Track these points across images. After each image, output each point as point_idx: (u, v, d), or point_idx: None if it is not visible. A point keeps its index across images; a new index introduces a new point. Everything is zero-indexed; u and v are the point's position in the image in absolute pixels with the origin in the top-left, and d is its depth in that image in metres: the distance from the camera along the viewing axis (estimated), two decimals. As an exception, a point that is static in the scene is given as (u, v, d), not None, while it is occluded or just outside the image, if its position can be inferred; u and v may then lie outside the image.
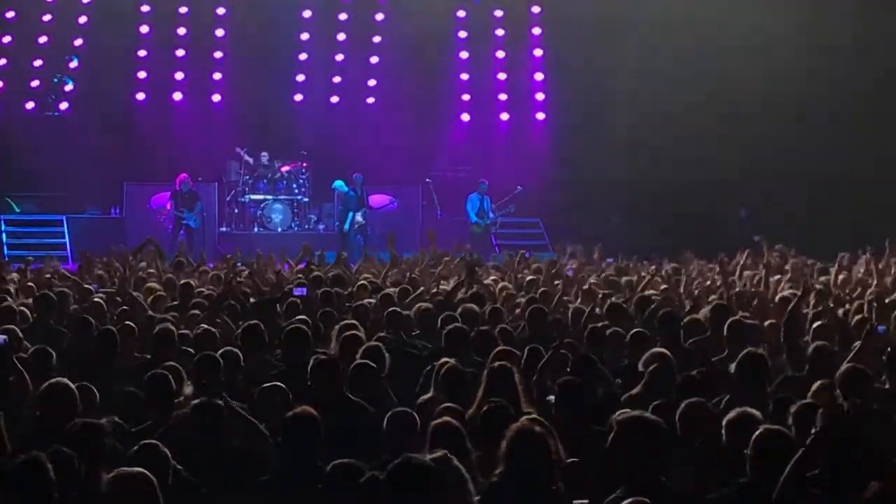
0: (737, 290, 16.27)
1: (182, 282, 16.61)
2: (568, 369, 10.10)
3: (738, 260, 19.82)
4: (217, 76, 32.84)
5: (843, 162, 29.89)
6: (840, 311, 13.85)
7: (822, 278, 18.33)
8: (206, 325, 12.62)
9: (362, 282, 16.72)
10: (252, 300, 15.09)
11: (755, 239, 21.33)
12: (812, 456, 7.34)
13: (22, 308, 14.03)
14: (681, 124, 30.61)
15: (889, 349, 10.51)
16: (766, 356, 10.15)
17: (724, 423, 8.04)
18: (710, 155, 30.29)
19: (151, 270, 18.61)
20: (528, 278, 17.67)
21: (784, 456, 7.35)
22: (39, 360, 10.47)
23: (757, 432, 7.61)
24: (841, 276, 18.41)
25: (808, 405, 8.35)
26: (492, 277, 18.34)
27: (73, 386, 8.83)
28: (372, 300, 14.71)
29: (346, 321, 12.24)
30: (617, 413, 8.11)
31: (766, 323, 13.29)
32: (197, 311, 13.93)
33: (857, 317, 13.31)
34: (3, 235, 29.40)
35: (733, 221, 29.56)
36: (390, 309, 13.26)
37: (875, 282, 16.76)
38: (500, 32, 34.20)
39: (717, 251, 21.36)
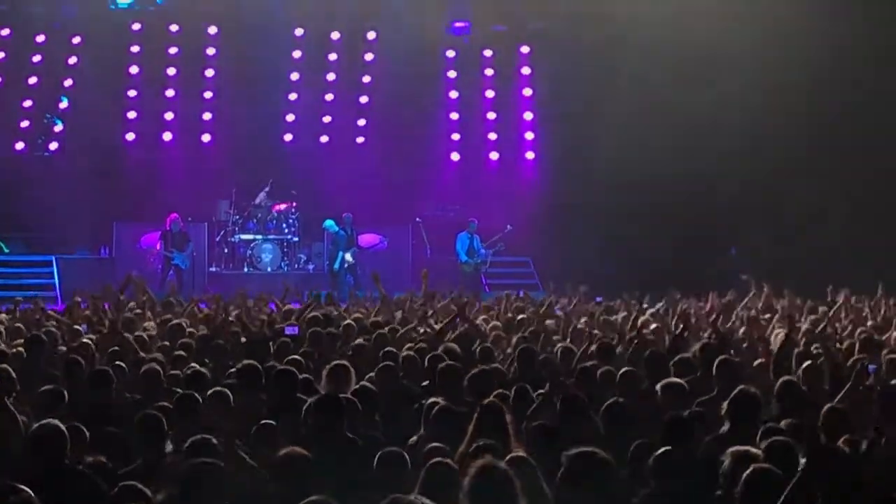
0: (726, 328, 16.28)
1: (171, 322, 16.59)
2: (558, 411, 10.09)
3: (727, 299, 19.85)
4: (207, 116, 32.89)
5: (836, 198, 29.89)
6: (830, 350, 13.86)
7: (812, 317, 18.33)
8: (195, 365, 12.58)
9: (349, 321, 16.70)
10: (243, 339, 15.06)
11: (742, 277, 21.37)
12: (800, 492, 7.33)
13: (12, 349, 13.99)
14: (670, 164, 30.65)
15: (879, 388, 10.52)
16: (758, 394, 10.15)
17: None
18: (700, 193, 30.37)
19: (139, 311, 18.58)
20: (519, 317, 17.67)
21: (774, 494, 7.35)
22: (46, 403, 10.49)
23: (747, 471, 7.61)
24: (831, 315, 18.42)
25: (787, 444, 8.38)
26: (482, 317, 18.33)
27: (62, 427, 8.79)
28: (361, 340, 14.68)
29: (337, 361, 12.21)
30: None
31: (756, 362, 13.30)
32: (183, 353, 13.88)
33: (848, 355, 13.33)
34: (-7, 276, 29.38)
35: (723, 259, 29.60)
36: (382, 349, 13.26)
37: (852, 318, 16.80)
38: (489, 72, 34.32)
39: (706, 289, 21.48)
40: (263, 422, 9.90)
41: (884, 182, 29.56)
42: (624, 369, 12.03)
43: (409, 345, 14.35)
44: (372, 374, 12.25)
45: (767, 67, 29.85)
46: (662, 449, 8.54)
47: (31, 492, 7.06)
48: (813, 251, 28.86)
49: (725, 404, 9.90)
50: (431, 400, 10.25)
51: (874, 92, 29.67)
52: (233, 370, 12.41)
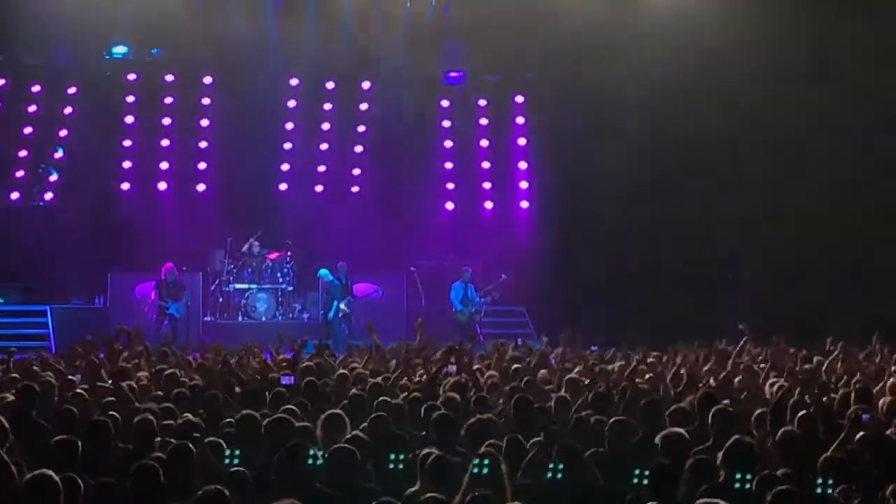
0: (722, 378, 16.26)
1: (166, 372, 16.54)
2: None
3: (724, 348, 19.83)
4: (202, 166, 32.97)
5: (834, 250, 29.93)
6: (825, 400, 13.84)
7: (808, 366, 18.30)
8: (188, 415, 12.53)
9: (343, 371, 16.67)
10: (238, 389, 15.02)
11: (740, 327, 21.34)
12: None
13: (5, 400, 13.94)
14: (664, 213, 30.75)
15: (874, 437, 10.50)
16: (753, 444, 10.13)
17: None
18: (695, 243, 30.40)
19: (135, 361, 18.52)
20: (514, 367, 17.63)
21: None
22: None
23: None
24: (826, 364, 18.39)
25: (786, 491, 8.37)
26: (476, 366, 18.27)
27: (56, 478, 8.76)
28: (356, 390, 14.63)
29: (331, 411, 12.17)
30: None
31: (753, 412, 13.26)
32: (173, 404, 13.80)
33: (843, 405, 13.30)
34: (-13, 326, 29.33)
35: (719, 310, 29.50)
36: (377, 399, 13.23)
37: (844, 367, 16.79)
38: (483, 121, 34.43)
39: (701, 340, 21.45)
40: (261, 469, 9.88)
41: (881, 234, 29.59)
42: (617, 419, 12.00)
43: (403, 394, 14.33)
44: (366, 423, 12.22)
45: (770, 102, 29.94)
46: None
47: None
48: (808, 300, 28.86)
49: (721, 454, 9.88)
50: (426, 450, 10.21)
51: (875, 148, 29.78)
52: (228, 420, 12.35)
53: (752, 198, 30.79)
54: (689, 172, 30.58)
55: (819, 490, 9.34)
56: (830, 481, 9.38)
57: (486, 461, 9.38)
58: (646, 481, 9.48)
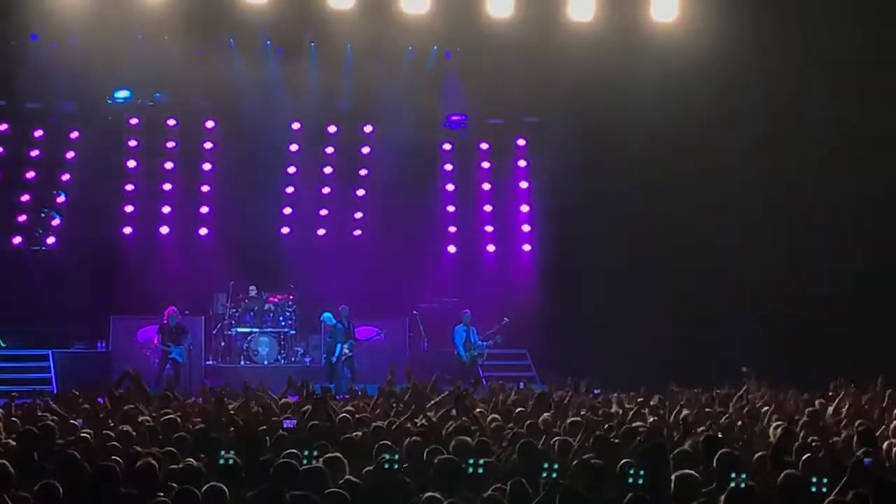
0: (725, 421, 16.23)
1: (165, 417, 16.51)
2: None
3: (727, 392, 19.80)
4: (204, 210, 33.00)
5: (837, 292, 29.92)
6: (829, 443, 13.82)
7: (810, 409, 18.26)
8: (190, 460, 12.50)
9: (344, 414, 16.65)
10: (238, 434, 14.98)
11: (742, 371, 21.34)
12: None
13: (8, 444, 13.92)
14: (668, 258, 30.76)
15: (876, 481, 10.48)
16: (755, 488, 10.11)
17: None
18: (698, 287, 30.40)
19: (135, 405, 18.47)
20: (517, 410, 17.60)
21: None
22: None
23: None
24: (830, 408, 18.36)
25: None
26: (478, 409, 18.23)
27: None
28: (358, 433, 14.60)
29: (331, 454, 12.16)
30: None
31: (756, 455, 13.23)
32: (174, 448, 13.77)
33: (846, 448, 13.27)
34: (-11, 370, 29.27)
35: (721, 353, 29.42)
36: (379, 442, 13.21)
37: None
38: (485, 165, 34.51)
39: (705, 382, 21.41)
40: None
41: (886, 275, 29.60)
42: (623, 461, 11.97)
43: (408, 438, 14.30)
44: (369, 467, 12.20)
45: (769, 142, 30.00)
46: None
47: None
48: (811, 342, 28.80)
49: (722, 498, 9.86)
50: (429, 494, 10.19)
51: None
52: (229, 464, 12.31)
53: (758, 235, 30.74)
54: (693, 213, 30.59)
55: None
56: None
57: None
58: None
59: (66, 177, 32.33)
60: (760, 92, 29.78)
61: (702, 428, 15.34)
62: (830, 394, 19.96)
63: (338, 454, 12.04)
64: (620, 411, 17.94)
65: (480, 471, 9.30)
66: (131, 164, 32.83)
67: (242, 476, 11.46)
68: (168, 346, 28.74)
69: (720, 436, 13.88)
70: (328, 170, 33.82)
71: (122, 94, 32.68)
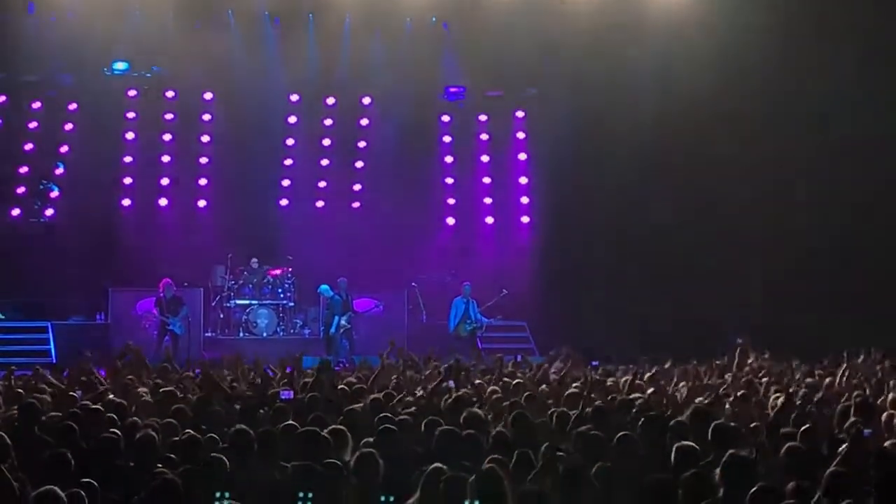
0: (721, 392, 16.25)
1: (166, 388, 16.55)
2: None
3: (723, 362, 19.83)
4: (203, 182, 32.98)
5: (840, 264, 29.94)
6: (826, 414, 13.85)
7: (808, 380, 18.31)
8: (190, 432, 12.52)
9: (342, 386, 16.69)
10: (237, 405, 15.01)
11: (738, 341, 21.36)
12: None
13: (7, 416, 13.95)
14: (668, 227, 30.76)
15: (875, 452, 10.52)
16: (749, 458, 10.15)
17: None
18: (698, 256, 30.39)
19: (134, 377, 18.51)
20: (515, 382, 17.62)
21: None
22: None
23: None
24: (828, 379, 18.40)
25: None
26: (478, 381, 18.27)
27: (63, 494, 8.78)
28: (359, 404, 14.64)
29: (334, 426, 12.18)
30: None
31: (751, 426, 13.27)
32: (175, 420, 13.81)
33: (843, 419, 13.30)
34: (-12, 342, 29.32)
35: (719, 323, 29.49)
36: (378, 414, 13.24)
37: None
38: (484, 137, 34.46)
39: (703, 354, 21.42)
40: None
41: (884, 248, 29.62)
42: (621, 434, 11.99)
43: (409, 409, 14.37)
44: (369, 439, 12.23)
45: (768, 123, 29.99)
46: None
47: None
48: (812, 313, 28.84)
49: (718, 470, 9.89)
50: (435, 465, 10.23)
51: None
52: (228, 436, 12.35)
53: (756, 211, 30.76)
54: (693, 187, 30.60)
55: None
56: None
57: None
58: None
59: (64, 149, 32.30)
60: (762, 64, 29.72)
61: (699, 399, 15.37)
62: (825, 366, 20.02)
63: (342, 427, 12.06)
64: (620, 383, 17.96)
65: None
66: (129, 136, 32.79)
67: (252, 447, 11.47)
68: (166, 318, 28.77)
69: (716, 407, 13.91)
70: (327, 142, 33.79)
71: (120, 66, 32.63)
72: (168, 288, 29.00)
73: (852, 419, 13.08)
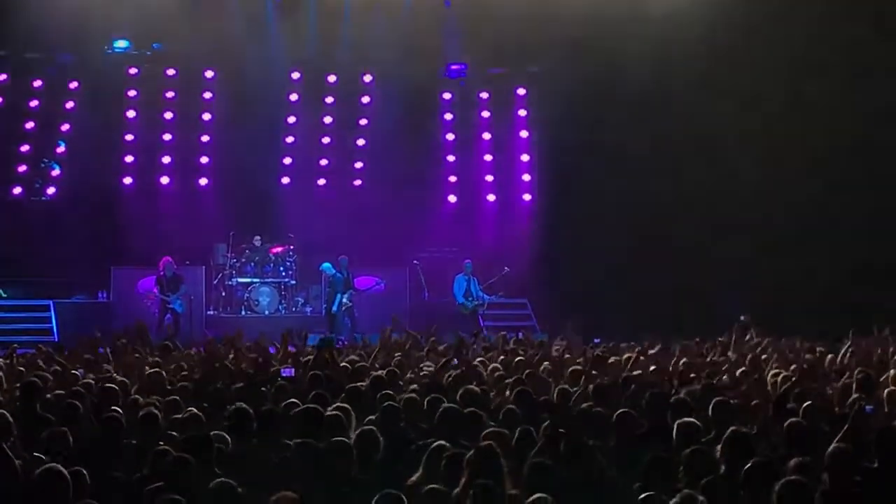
0: (723, 369, 16.28)
1: (170, 366, 16.59)
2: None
3: (725, 339, 19.84)
4: (204, 160, 32.95)
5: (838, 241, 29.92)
6: (828, 391, 13.86)
7: (809, 357, 18.32)
8: (192, 409, 12.54)
9: (344, 364, 16.70)
10: (238, 383, 15.03)
11: (742, 318, 21.37)
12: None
13: (8, 394, 13.98)
14: (669, 204, 30.75)
15: (876, 429, 10.51)
16: (750, 436, 10.16)
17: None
18: (702, 233, 30.34)
19: (138, 355, 18.54)
20: (517, 359, 17.64)
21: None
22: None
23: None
24: (830, 356, 18.40)
25: (792, 482, 8.40)
26: (479, 358, 18.29)
27: (66, 472, 8.79)
28: (361, 383, 14.64)
29: (338, 404, 12.19)
30: None
31: (754, 403, 13.28)
32: (178, 396, 13.83)
33: (844, 395, 13.31)
34: (-10, 320, 29.33)
35: (721, 301, 29.46)
36: (379, 392, 13.26)
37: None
38: (485, 114, 34.42)
39: (704, 332, 21.42)
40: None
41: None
42: (621, 411, 12.00)
43: (412, 387, 14.39)
44: (371, 416, 12.25)
45: (768, 98, 29.93)
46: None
47: None
48: (813, 291, 28.81)
49: (719, 446, 9.90)
50: (433, 443, 10.24)
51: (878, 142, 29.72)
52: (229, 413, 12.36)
53: (760, 190, 30.72)
54: (694, 164, 30.56)
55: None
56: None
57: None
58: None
59: (65, 127, 32.25)
60: (776, 41, 29.66)
61: (700, 376, 15.39)
62: (826, 343, 20.02)
63: (345, 404, 12.06)
64: (623, 360, 17.97)
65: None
66: (131, 114, 32.75)
67: (253, 426, 11.48)
68: (167, 296, 28.77)
69: (718, 384, 13.93)
70: (328, 119, 33.74)
71: (121, 44, 32.59)
72: (168, 266, 29.00)
73: (854, 396, 13.11)
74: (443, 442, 10.11)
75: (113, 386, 14.10)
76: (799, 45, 29.34)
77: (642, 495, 8.32)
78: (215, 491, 8.65)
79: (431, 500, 8.16)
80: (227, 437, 10.97)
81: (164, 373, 15.92)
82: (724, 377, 15.57)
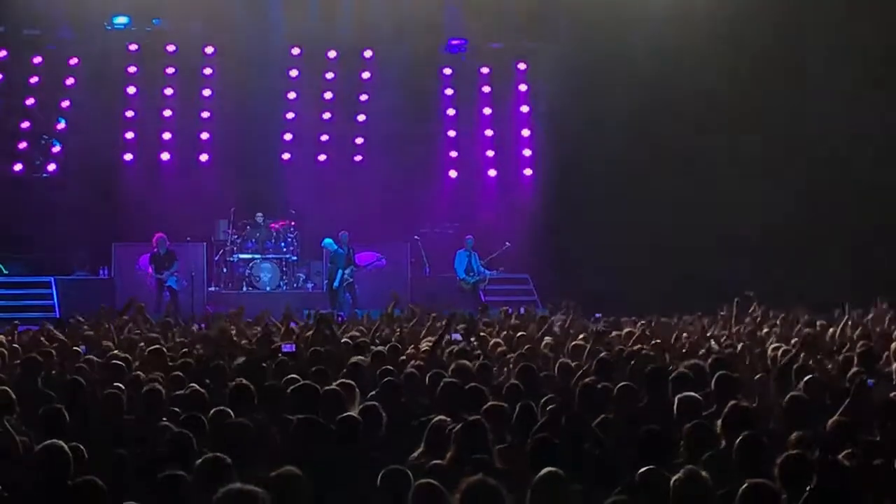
0: (724, 344, 16.28)
1: (170, 343, 16.60)
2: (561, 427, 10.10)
3: (726, 314, 19.83)
4: (205, 136, 32.90)
5: (839, 214, 29.92)
6: (830, 365, 13.86)
7: (809, 330, 18.31)
8: (194, 385, 12.54)
9: (346, 340, 16.71)
10: (239, 359, 15.03)
11: (747, 294, 21.34)
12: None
13: (9, 371, 13.99)
14: (669, 179, 30.70)
15: (878, 402, 10.52)
16: (751, 410, 10.17)
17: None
18: (701, 210, 30.34)
19: (139, 331, 18.56)
20: (519, 334, 17.64)
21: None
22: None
23: (743, 486, 7.62)
24: (830, 330, 18.41)
25: (793, 456, 8.41)
26: (482, 334, 18.29)
27: (67, 447, 8.81)
28: (361, 358, 14.64)
29: (341, 380, 12.19)
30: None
31: (756, 377, 13.29)
32: (181, 373, 13.84)
33: (847, 370, 13.31)
34: (-9, 297, 29.35)
35: (724, 277, 29.43)
36: (380, 367, 13.27)
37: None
38: (486, 89, 34.35)
39: (705, 307, 21.41)
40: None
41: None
42: (622, 385, 12.00)
43: (413, 362, 14.41)
44: (373, 392, 12.27)
45: (768, 72, 29.91)
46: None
47: None
48: (817, 264, 28.82)
49: (719, 421, 9.90)
50: (435, 418, 10.25)
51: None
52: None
53: (759, 161, 30.70)
54: (697, 136, 30.54)
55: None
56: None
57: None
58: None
59: (65, 104, 32.21)
60: (780, 15, 29.62)
61: (702, 351, 15.40)
62: (827, 317, 20.04)
63: (349, 381, 12.06)
64: (623, 335, 17.98)
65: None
66: (131, 90, 32.70)
67: (255, 401, 11.49)
68: (162, 275, 28.72)
69: (720, 358, 13.91)
70: (328, 95, 33.69)
71: (121, 20, 32.52)
72: (161, 243, 28.90)
73: (856, 369, 13.11)
74: (443, 417, 10.11)
75: (117, 362, 14.11)
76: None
77: (642, 469, 8.31)
78: (210, 464, 8.63)
79: (433, 476, 8.15)
80: (229, 412, 10.97)
81: (165, 349, 15.93)
82: (726, 351, 15.55)
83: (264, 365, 14.21)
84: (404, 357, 15.30)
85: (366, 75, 33.77)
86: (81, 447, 9.28)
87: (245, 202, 31.34)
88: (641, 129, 30.91)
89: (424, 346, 16.42)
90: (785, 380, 12.39)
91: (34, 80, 32.13)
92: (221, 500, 6.98)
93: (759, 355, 15.23)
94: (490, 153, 34.20)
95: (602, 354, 14.35)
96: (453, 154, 34.02)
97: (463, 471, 8.39)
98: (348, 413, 10.53)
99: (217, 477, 8.38)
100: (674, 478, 7.92)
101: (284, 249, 31.22)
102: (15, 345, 16.84)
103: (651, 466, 8.35)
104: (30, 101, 32.09)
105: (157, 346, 16.06)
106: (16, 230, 30.47)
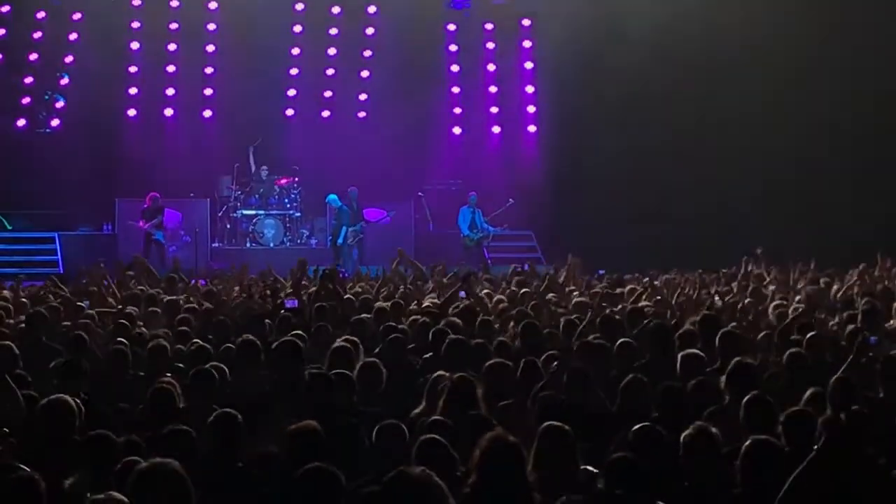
0: (728, 301, 16.29)
1: (174, 298, 16.63)
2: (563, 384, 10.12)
3: (729, 271, 19.85)
4: (208, 92, 32.83)
5: (840, 174, 29.85)
6: (832, 322, 13.87)
7: (811, 288, 18.32)
8: (199, 341, 12.57)
9: (349, 296, 16.71)
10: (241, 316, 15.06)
11: (757, 251, 21.37)
12: (814, 468, 7.39)
13: (15, 325, 14.03)
14: (675, 136, 30.64)
15: (881, 359, 10.53)
16: (754, 365, 10.19)
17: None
18: (706, 166, 30.28)
19: (142, 287, 18.57)
20: (522, 291, 17.64)
21: (775, 466, 7.39)
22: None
23: (746, 442, 7.66)
24: (834, 287, 18.42)
25: (797, 413, 8.44)
26: (485, 291, 18.30)
27: (72, 402, 8.83)
28: (364, 315, 14.66)
29: (346, 337, 12.19)
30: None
31: (760, 334, 13.30)
32: (186, 328, 13.87)
33: (850, 327, 13.32)
34: (-5, 252, 29.37)
35: (731, 233, 29.38)
36: (383, 324, 13.29)
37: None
38: (490, 46, 34.26)
39: (709, 264, 21.42)
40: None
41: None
42: (623, 341, 12.01)
43: (414, 317, 14.42)
44: (376, 349, 12.28)
45: (767, 34, 29.81)
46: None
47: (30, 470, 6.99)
48: (821, 223, 28.79)
49: (724, 378, 9.92)
50: (435, 374, 10.26)
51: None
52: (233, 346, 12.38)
53: (763, 124, 30.63)
54: (701, 92, 30.48)
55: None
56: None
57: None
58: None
59: (69, 59, 32.11)
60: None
61: (705, 308, 15.40)
62: (830, 274, 20.03)
63: (353, 338, 12.07)
64: (627, 292, 17.99)
65: None
66: (134, 45, 32.63)
67: (261, 358, 11.50)
68: (152, 230, 28.72)
69: (722, 315, 13.93)
70: (332, 51, 33.60)
71: (125, -25, 32.44)
72: (155, 201, 28.93)
73: (852, 327, 13.13)
74: (444, 373, 10.12)
75: (123, 322, 14.14)
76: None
77: (641, 424, 8.33)
78: (219, 419, 8.66)
79: (429, 435, 8.16)
80: (225, 368, 11.01)
81: (168, 304, 15.96)
82: (729, 308, 15.57)
83: (268, 321, 14.22)
84: (407, 314, 15.31)
85: (370, 31, 33.67)
86: (78, 401, 9.29)
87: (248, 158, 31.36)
88: (647, 84, 30.82)
89: (428, 302, 16.45)
90: (788, 337, 12.39)
91: (37, 35, 32.03)
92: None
93: (762, 313, 15.24)
94: (494, 110, 34.14)
95: (606, 311, 14.37)
96: (457, 111, 33.96)
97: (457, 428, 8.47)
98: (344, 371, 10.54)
99: (229, 434, 8.45)
100: (684, 433, 7.96)
101: (288, 205, 31.21)
102: (23, 299, 16.89)
103: (645, 423, 8.38)
104: (33, 57, 31.99)
105: (160, 300, 16.11)
106: (19, 186, 30.42)
